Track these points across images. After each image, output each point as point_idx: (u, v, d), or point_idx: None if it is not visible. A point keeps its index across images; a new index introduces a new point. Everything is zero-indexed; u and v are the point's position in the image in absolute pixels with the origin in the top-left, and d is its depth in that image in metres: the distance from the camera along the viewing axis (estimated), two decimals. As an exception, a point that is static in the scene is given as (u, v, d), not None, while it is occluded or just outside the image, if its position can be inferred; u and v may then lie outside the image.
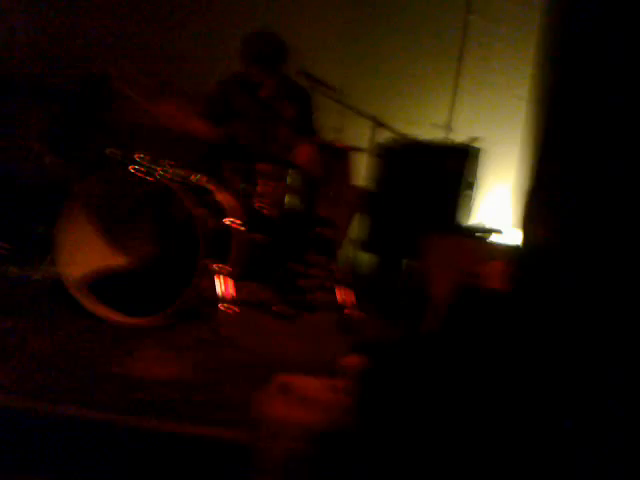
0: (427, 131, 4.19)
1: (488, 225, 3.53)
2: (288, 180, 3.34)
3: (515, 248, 2.17)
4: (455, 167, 3.74)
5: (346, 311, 3.03)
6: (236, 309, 2.81)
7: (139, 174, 2.93)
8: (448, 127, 4.44)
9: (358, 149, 3.59)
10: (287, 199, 3.35)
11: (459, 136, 4.18)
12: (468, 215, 4.05)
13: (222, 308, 2.71)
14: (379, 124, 3.62)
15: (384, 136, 3.80)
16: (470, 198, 4.05)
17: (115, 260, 3.08)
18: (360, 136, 3.81)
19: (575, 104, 1.26)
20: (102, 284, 2.87)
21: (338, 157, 3.46)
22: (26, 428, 1.83)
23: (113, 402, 1.96)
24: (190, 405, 2.03)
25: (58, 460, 1.79)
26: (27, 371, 2.13)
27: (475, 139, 3.88)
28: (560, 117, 1.29)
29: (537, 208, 1.33)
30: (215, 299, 2.73)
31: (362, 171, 3.89)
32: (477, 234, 3.40)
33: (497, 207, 4.34)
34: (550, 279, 1.28)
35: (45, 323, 2.62)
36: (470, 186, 3.99)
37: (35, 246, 3.13)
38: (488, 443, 1.38)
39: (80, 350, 2.40)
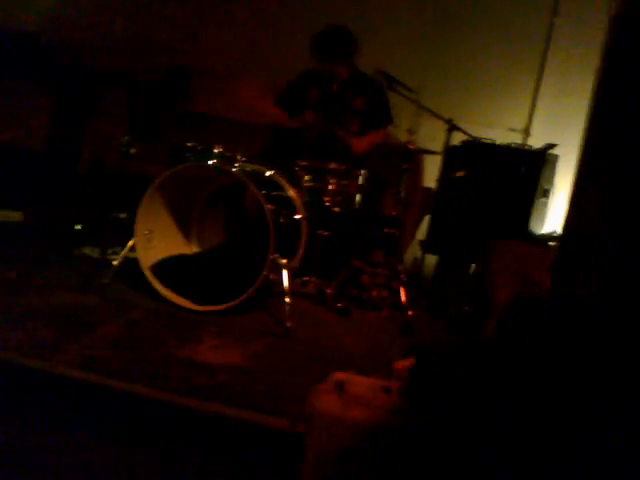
0: (504, 135, 4.11)
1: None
2: (359, 179, 3.37)
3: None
4: (530, 173, 3.66)
5: (406, 312, 3.04)
6: (300, 303, 2.87)
7: (216, 167, 3.04)
8: (526, 132, 4.34)
9: (431, 152, 3.57)
10: (357, 198, 3.39)
11: (537, 142, 4.06)
12: (542, 223, 3.96)
13: (286, 301, 2.79)
14: (454, 127, 3.58)
15: (459, 138, 3.76)
16: (545, 205, 3.95)
17: (188, 249, 3.22)
18: (434, 138, 3.78)
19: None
20: (174, 270, 3.01)
21: (410, 158, 3.44)
22: (88, 401, 1.97)
23: (176, 384, 2.08)
24: (248, 393, 2.11)
25: (121, 433, 1.92)
26: (97, 348, 2.28)
27: (553, 146, 3.78)
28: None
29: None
30: (280, 292, 2.82)
31: (434, 173, 3.87)
32: (548, 243, 3.32)
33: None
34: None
35: (119, 304, 2.79)
36: (545, 193, 3.90)
37: (117, 231, 3.28)
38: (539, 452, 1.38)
39: (150, 332, 2.54)
